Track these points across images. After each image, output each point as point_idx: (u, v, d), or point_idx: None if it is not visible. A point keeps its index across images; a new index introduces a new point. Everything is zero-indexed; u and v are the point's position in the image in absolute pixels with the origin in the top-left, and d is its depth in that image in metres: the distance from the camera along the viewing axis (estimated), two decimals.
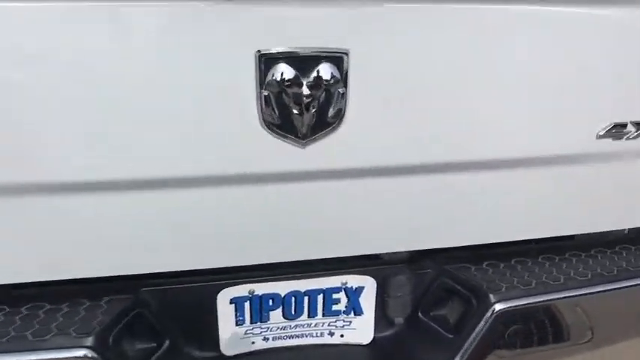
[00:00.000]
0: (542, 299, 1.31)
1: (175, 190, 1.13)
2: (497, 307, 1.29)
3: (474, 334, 1.30)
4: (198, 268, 1.23)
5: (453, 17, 1.07)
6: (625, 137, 1.30)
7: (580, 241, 1.53)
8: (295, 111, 1.05)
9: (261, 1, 1.00)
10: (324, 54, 1.03)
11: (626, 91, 1.26)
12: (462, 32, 1.09)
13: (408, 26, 1.06)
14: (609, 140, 1.29)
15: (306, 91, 1.04)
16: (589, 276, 1.38)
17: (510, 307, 1.30)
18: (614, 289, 1.36)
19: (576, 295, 1.34)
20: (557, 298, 1.32)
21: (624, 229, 1.58)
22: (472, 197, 1.29)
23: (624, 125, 1.28)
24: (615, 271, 1.41)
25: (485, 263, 1.40)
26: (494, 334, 1.32)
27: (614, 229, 1.47)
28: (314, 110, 1.06)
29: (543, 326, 1.36)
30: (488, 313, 1.29)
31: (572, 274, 1.39)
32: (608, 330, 1.43)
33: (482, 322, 1.30)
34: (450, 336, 1.36)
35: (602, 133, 1.27)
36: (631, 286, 1.37)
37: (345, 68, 1.05)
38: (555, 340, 1.38)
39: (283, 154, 1.10)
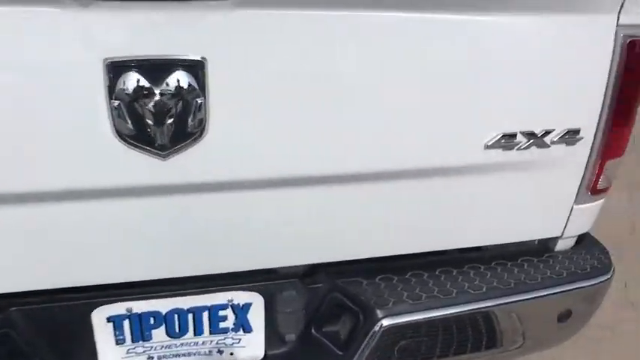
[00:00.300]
0: (430, 315, 1.28)
1: (38, 205, 1.08)
2: (384, 322, 1.26)
3: (360, 351, 1.27)
4: (66, 286, 1.17)
5: (315, 24, 1.04)
6: (516, 148, 1.27)
7: (483, 253, 1.50)
8: (150, 121, 1.00)
9: (109, 7, 0.96)
10: (178, 62, 0.99)
11: (515, 101, 1.24)
12: (328, 39, 1.05)
13: (268, 33, 1.02)
14: (499, 151, 1.26)
15: (159, 100, 0.99)
16: (484, 289, 1.35)
17: (397, 322, 1.26)
18: (506, 303, 1.33)
19: (466, 310, 1.31)
20: (446, 314, 1.29)
21: (534, 240, 1.56)
22: (358, 210, 1.26)
23: (514, 135, 1.26)
24: (512, 284, 1.38)
25: (379, 277, 1.36)
26: (383, 350, 1.28)
27: (511, 241, 1.45)
28: (171, 121, 1.01)
29: (435, 341, 1.33)
30: (375, 329, 1.26)
31: (466, 287, 1.35)
32: (501, 344, 1.40)
33: (368, 338, 1.26)
34: (340, 353, 1.32)
35: (490, 144, 1.25)
36: (524, 299, 1.35)
37: (202, 77, 1.00)
38: (445, 354, 1.35)
39: (143, 166, 1.05)
